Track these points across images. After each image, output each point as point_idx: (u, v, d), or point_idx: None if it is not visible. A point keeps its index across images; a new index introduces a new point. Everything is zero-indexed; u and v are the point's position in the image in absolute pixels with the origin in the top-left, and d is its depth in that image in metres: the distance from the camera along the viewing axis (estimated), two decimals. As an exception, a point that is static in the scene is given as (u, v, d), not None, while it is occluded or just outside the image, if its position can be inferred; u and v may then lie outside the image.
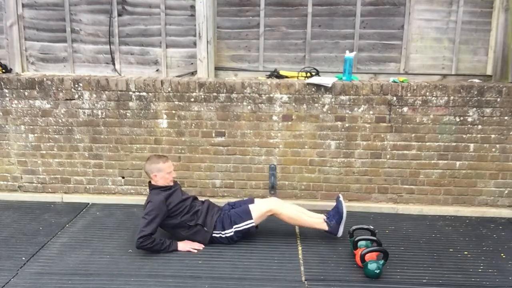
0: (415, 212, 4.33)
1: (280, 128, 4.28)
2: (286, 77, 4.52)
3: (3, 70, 4.63)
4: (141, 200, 4.44)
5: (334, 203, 4.32)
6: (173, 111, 4.30)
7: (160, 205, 3.46)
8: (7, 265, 3.27)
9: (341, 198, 3.70)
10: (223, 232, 3.58)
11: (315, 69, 4.51)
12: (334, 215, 3.66)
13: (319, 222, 3.67)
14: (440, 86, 4.14)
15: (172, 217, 3.52)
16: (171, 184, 3.66)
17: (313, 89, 4.20)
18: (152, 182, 3.65)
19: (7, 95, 4.37)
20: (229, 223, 3.58)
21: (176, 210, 3.52)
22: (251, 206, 3.62)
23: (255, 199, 3.78)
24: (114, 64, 4.75)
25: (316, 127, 4.26)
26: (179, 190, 3.69)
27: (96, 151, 4.44)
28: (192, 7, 4.56)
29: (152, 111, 4.31)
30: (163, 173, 3.60)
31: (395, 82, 4.23)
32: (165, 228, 3.59)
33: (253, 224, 3.56)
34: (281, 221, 3.66)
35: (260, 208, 3.61)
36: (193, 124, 4.32)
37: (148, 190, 3.71)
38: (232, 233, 3.57)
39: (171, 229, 3.59)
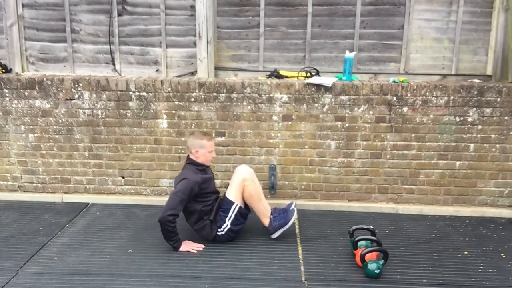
0: (415, 212, 4.33)
1: (280, 128, 4.28)
2: (286, 77, 4.52)
3: (3, 70, 4.63)
4: (141, 200, 4.47)
5: (334, 203, 4.35)
6: (173, 111, 4.30)
7: (195, 186, 3.45)
8: (7, 265, 3.27)
9: (294, 207, 3.71)
10: (222, 228, 3.59)
11: (315, 69, 4.51)
12: (281, 218, 3.67)
13: (265, 214, 3.67)
14: (440, 86, 4.14)
15: (196, 202, 3.51)
16: (209, 164, 3.69)
17: (313, 89, 4.20)
18: (192, 157, 3.64)
19: (7, 95, 4.37)
20: (222, 219, 3.60)
21: (204, 197, 3.54)
22: (227, 193, 3.63)
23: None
24: (114, 64, 4.75)
25: (316, 127, 4.26)
26: (213, 179, 3.71)
27: (96, 151, 4.44)
28: (192, 7, 4.56)
29: (152, 111, 4.31)
30: (205, 150, 3.61)
31: (395, 82, 4.23)
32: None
33: (238, 204, 3.57)
34: (243, 193, 3.59)
35: (234, 185, 3.60)
36: (193, 124, 4.32)
37: (183, 163, 3.67)
38: (229, 225, 3.58)
39: (185, 212, 3.56)
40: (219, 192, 3.82)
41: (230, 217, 3.58)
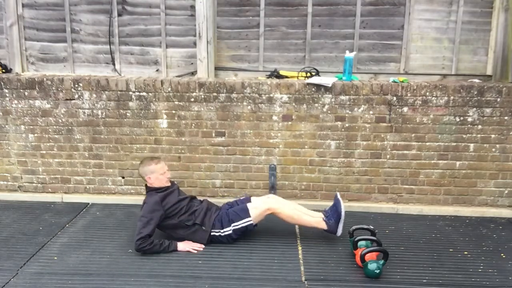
0: (415, 212, 4.33)
1: (280, 128, 4.28)
2: (286, 77, 4.52)
3: (3, 70, 4.63)
4: (141, 200, 4.43)
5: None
6: (173, 111, 4.30)
7: (156, 206, 3.46)
8: (7, 265, 3.27)
9: (339, 197, 3.69)
10: (222, 231, 3.57)
11: (315, 69, 4.51)
12: (333, 214, 3.65)
13: (318, 221, 3.66)
14: (440, 86, 4.14)
15: (170, 218, 3.52)
16: (168, 184, 3.66)
17: (313, 89, 4.20)
18: (148, 185, 3.65)
19: (7, 95, 4.37)
20: (227, 221, 3.58)
21: (173, 210, 3.52)
22: (249, 205, 3.62)
23: (252, 198, 3.77)
24: (114, 64, 4.75)
25: (316, 127, 4.26)
26: (176, 190, 3.68)
27: (96, 151, 4.44)
28: (192, 7, 4.56)
29: (152, 111, 4.31)
30: (157, 174, 3.60)
31: (395, 82, 4.23)
32: (164, 229, 3.59)
33: (251, 222, 3.56)
34: (280, 219, 3.66)
35: (258, 206, 3.60)
36: (193, 124, 4.32)
37: (145, 193, 3.70)
38: (230, 232, 3.57)
39: (170, 230, 3.59)
40: (191, 195, 3.79)
41: (236, 226, 3.55)
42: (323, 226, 3.65)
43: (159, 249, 3.42)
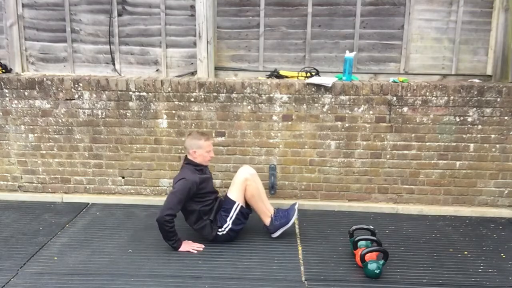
0: (415, 212, 4.33)
1: (280, 128, 4.28)
2: (286, 77, 4.52)
3: (3, 70, 4.63)
4: (141, 200, 4.47)
5: (334, 203, 4.35)
6: (173, 111, 4.30)
7: (193, 186, 3.45)
8: (7, 265, 3.27)
9: (296, 207, 3.72)
10: (223, 228, 3.59)
11: (315, 69, 4.51)
12: (282, 217, 3.68)
13: (266, 213, 3.69)
14: (440, 86, 4.14)
15: (195, 202, 3.51)
16: (207, 164, 3.69)
17: (313, 89, 4.20)
18: (190, 158, 3.64)
19: (7, 95, 4.37)
20: (223, 218, 3.60)
21: (202, 197, 3.53)
22: (228, 193, 3.64)
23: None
24: (114, 64, 4.75)
25: (316, 127, 4.26)
26: (211, 179, 3.71)
27: (96, 151, 4.44)
28: (192, 7, 4.56)
29: (152, 111, 4.31)
30: (203, 151, 3.60)
31: (395, 82, 4.23)
32: (181, 208, 3.53)
33: (239, 203, 3.58)
34: (245, 192, 3.61)
35: (235, 184, 3.62)
36: (193, 124, 4.32)
37: (181, 163, 3.68)
38: (230, 225, 3.58)
39: (185, 211, 3.56)
40: (218, 192, 3.82)
41: (231, 217, 3.58)
42: (266, 221, 3.69)
43: (171, 237, 3.40)
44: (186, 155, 3.71)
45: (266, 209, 3.69)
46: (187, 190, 3.42)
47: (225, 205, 3.63)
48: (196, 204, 3.53)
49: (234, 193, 3.61)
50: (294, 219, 3.67)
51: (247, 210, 3.66)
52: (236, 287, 3.04)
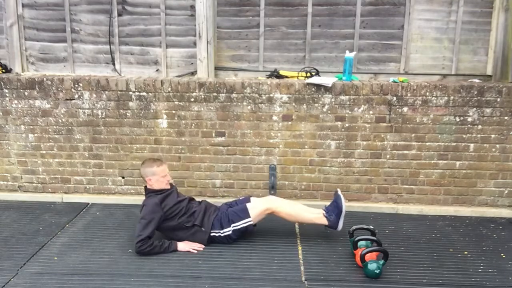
0: (415, 212, 4.33)
1: (280, 128, 4.28)
2: (286, 77, 4.52)
3: (3, 70, 4.63)
4: (141, 200, 4.43)
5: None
6: (173, 111, 4.30)
7: (155, 208, 3.46)
8: (7, 265, 3.27)
9: (339, 192, 3.69)
10: (221, 231, 3.57)
11: (315, 69, 4.51)
12: (333, 209, 3.65)
13: (318, 217, 3.66)
14: (440, 86, 4.14)
15: (169, 219, 3.52)
16: (167, 187, 3.66)
17: (313, 89, 4.20)
18: (148, 186, 3.65)
19: (7, 95, 4.37)
20: (227, 222, 3.58)
21: (172, 212, 3.52)
22: (248, 205, 3.61)
23: (252, 198, 3.77)
24: (114, 64, 4.75)
25: (316, 127, 4.26)
26: (175, 192, 3.68)
27: (96, 151, 4.44)
28: (192, 7, 4.56)
29: (152, 111, 4.31)
30: (158, 177, 3.60)
31: (395, 82, 4.23)
32: (163, 231, 3.58)
33: (251, 223, 3.56)
34: (280, 218, 3.65)
35: (258, 206, 3.60)
36: (193, 124, 4.32)
37: (144, 194, 3.70)
38: (230, 232, 3.57)
39: (169, 232, 3.58)
40: (189, 197, 3.80)
41: (236, 226, 3.55)
42: (324, 221, 3.65)
43: (160, 250, 3.42)
44: (145, 186, 3.69)
45: (313, 215, 3.67)
46: (150, 213, 3.43)
47: (238, 211, 3.60)
48: (172, 220, 3.53)
49: (253, 210, 3.57)
50: (344, 204, 3.61)
51: (253, 229, 3.63)
52: (236, 287, 3.04)
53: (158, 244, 3.42)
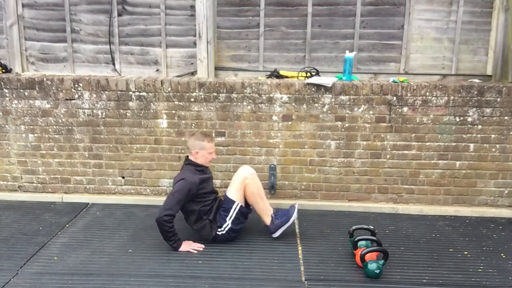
0: (415, 212, 4.33)
1: (280, 128, 4.28)
2: (286, 77, 4.52)
3: (3, 70, 4.63)
4: (141, 200, 4.47)
5: (334, 203, 4.35)
6: (173, 111, 4.30)
7: (193, 186, 3.45)
8: (7, 265, 3.27)
9: (296, 206, 3.71)
10: (222, 228, 3.59)
11: (315, 69, 4.51)
12: (282, 216, 3.67)
13: (267, 213, 3.68)
14: (440, 86, 4.14)
15: (195, 202, 3.51)
16: (208, 165, 3.68)
17: (313, 89, 4.20)
18: (191, 158, 3.64)
19: (7, 95, 4.37)
20: (222, 218, 3.60)
21: (202, 197, 3.53)
22: (227, 193, 3.64)
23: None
24: (114, 64, 4.75)
25: (316, 127, 4.26)
26: (211, 179, 3.71)
27: (96, 151, 4.44)
28: (192, 7, 4.56)
29: (152, 111, 4.31)
30: (205, 152, 3.61)
31: (395, 82, 4.23)
32: (181, 208, 3.53)
33: (239, 203, 3.57)
34: (245, 192, 3.61)
35: (235, 183, 3.62)
36: (193, 124, 4.32)
37: (182, 163, 3.67)
38: (229, 225, 3.58)
39: (185, 212, 3.56)
40: (217, 192, 3.83)
41: (231, 217, 3.58)
42: (267, 221, 3.67)
43: (171, 237, 3.40)
44: (187, 156, 3.70)
45: (266, 208, 3.69)
46: (186, 190, 3.42)
47: (224, 204, 3.63)
48: (196, 204, 3.53)
49: (234, 193, 3.61)
50: (294, 217, 3.66)
51: (247, 209, 3.66)
52: (236, 287, 3.04)
53: (174, 232, 3.39)
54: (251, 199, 3.64)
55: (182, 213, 3.57)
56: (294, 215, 3.65)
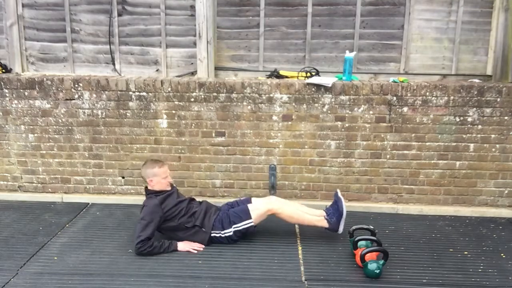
0: (415, 212, 4.33)
1: (280, 128, 4.28)
2: (286, 77, 4.52)
3: (3, 70, 4.63)
4: (141, 200, 4.43)
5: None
6: (173, 111, 4.30)
7: (155, 209, 3.46)
8: (7, 265, 3.27)
9: (339, 194, 3.69)
10: (222, 232, 3.57)
11: (315, 69, 4.51)
12: (334, 212, 3.65)
13: (319, 219, 3.66)
14: (440, 86, 4.14)
15: (169, 220, 3.52)
16: (168, 188, 3.66)
17: (313, 89, 4.20)
18: (148, 187, 3.65)
19: (7, 95, 4.37)
20: (228, 222, 3.57)
21: (172, 213, 3.52)
22: (250, 206, 3.61)
23: (253, 199, 3.77)
24: (114, 64, 4.75)
25: (316, 127, 4.26)
26: (175, 193, 3.68)
27: (96, 151, 4.44)
28: (192, 7, 4.56)
29: (152, 111, 4.31)
30: (159, 178, 3.60)
31: (395, 82, 4.23)
32: (164, 231, 3.58)
33: (252, 224, 3.55)
34: (281, 220, 3.65)
35: (259, 208, 3.60)
36: (193, 124, 4.32)
37: (145, 194, 3.70)
38: (231, 233, 3.57)
39: (170, 232, 3.58)
40: (189, 197, 3.80)
41: (237, 227, 3.55)
42: (325, 224, 3.65)
43: (159, 250, 3.42)
44: (145, 186, 3.70)
45: (314, 218, 3.66)
46: (150, 214, 3.43)
47: (239, 212, 3.59)
48: (172, 221, 3.53)
49: (255, 213, 3.56)
50: (344, 206, 3.60)
51: (254, 230, 3.63)
52: (236, 287, 3.04)
53: (158, 245, 3.41)
54: (293, 222, 3.69)
55: (169, 235, 3.57)
56: (344, 205, 3.60)
